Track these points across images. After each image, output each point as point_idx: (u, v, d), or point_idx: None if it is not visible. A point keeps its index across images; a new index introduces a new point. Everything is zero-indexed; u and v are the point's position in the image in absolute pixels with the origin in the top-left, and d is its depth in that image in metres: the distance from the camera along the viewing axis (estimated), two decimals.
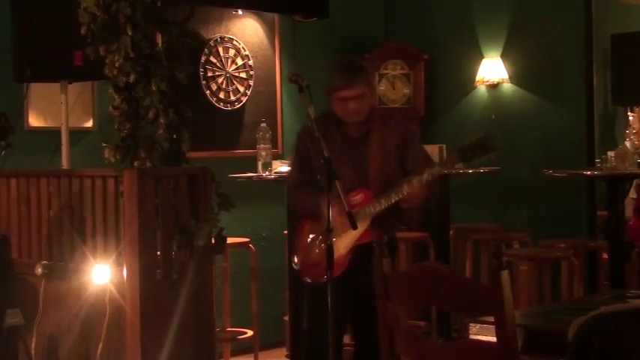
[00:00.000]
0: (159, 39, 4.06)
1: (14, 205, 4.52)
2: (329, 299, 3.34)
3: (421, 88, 7.35)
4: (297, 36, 6.97)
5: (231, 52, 6.62)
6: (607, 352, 2.26)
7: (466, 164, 4.12)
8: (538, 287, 5.66)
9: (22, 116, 5.41)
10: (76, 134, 5.41)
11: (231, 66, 6.61)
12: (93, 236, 4.08)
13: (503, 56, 7.04)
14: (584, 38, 6.66)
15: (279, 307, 6.06)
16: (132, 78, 3.92)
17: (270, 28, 6.90)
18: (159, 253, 3.85)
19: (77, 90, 5.53)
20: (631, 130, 6.64)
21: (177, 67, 3.98)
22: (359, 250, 3.83)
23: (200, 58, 6.39)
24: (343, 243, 3.85)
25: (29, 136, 5.41)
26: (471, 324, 6.15)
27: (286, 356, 6.01)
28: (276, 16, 6.89)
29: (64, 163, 4.90)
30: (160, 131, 3.94)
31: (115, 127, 4.02)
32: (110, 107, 4.05)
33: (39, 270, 4.14)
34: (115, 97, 4.00)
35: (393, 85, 7.38)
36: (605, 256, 6.00)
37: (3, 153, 4.44)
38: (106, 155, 4.01)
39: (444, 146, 6.50)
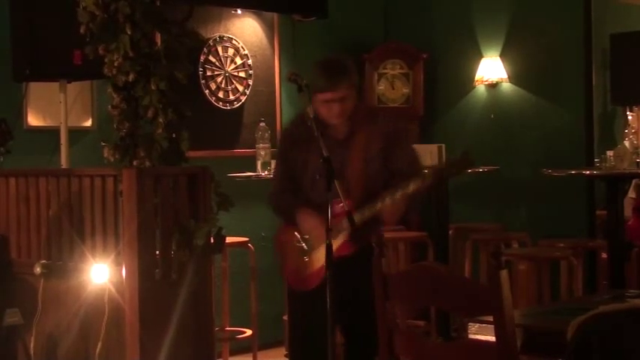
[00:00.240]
0: (158, 38, 4.06)
1: (13, 205, 4.51)
2: (328, 299, 3.32)
3: (420, 88, 7.35)
4: (296, 35, 6.97)
5: (231, 51, 6.62)
6: (606, 351, 2.26)
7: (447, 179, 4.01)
8: (537, 287, 5.66)
9: (21, 116, 5.41)
10: (75, 133, 5.40)
11: (230, 65, 6.61)
12: (92, 235, 4.08)
13: (502, 56, 7.04)
14: (584, 38, 6.66)
15: (278, 306, 6.06)
16: (131, 77, 3.92)
17: (269, 28, 6.90)
18: (158, 252, 3.85)
19: (76, 89, 5.52)
20: (630, 130, 6.64)
21: (177, 67, 3.98)
22: (337, 263, 3.60)
23: (199, 58, 6.39)
24: (319, 257, 3.74)
25: (28, 135, 5.41)
26: (470, 324, 6.15)
27: (285, 356, 6.01)
28: (275, 16, 6.89)
29: (63, 163, 4.90)
30: (159, 130, 3.94)
31: (114, 126, 4.01)
32: (109, 106, 4.04)
33: (38, 269, 4.13)
34: (114, 96, 3.99)
35: (392, 84, 7.38)
36: (604, 255, 6.00)
37: (2, 159, 4.43)
38: (105, 154, 4.01)
39: (443, 146, 6.51)
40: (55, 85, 5.02)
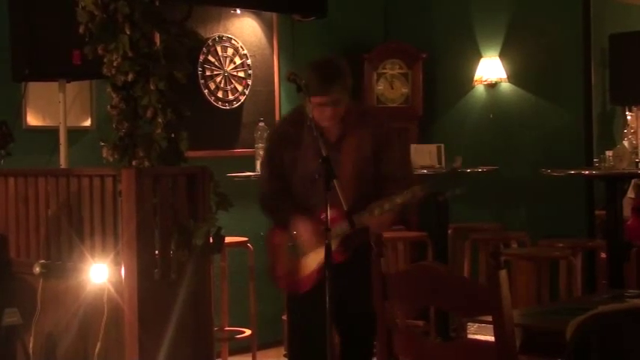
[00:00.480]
0: (157, 38, 4.06)
1: (12, 204, 4.51)
2: (327, 298, 3.33)
3: (419, 88, 7.36)
4: (295, 35, 6.97)
5: (230, 51, 6.62)
6: (605, 351, 2.26)
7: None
8: (536, 287, 5.66)
9: (20, 115, 5.41)
10: (74, 133, 5.40)
11: (229, 65, 6.61)
12: (91, 235, 4.08)
13: (501, 56, 7.04)
14: (583, 38, 6.66)
15: (277, 306, 6.05)
16: (130, 77, 3.92)
17: (268, 28, 6.90)
18: (157, 252, 3.85)
19: (75, 89, 5.52)
20: (629, 130, 6.64)
21: (176, 67, 3.98)
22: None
23: (198, 58, 6.39)
24: (313, 260, 3.77)
25: (27, 135, 5.40)
26: (469, 323, 6.14)
27: (284, 355, 6.01)
28: (274, 16, 6.89)
29: (62, 163, 4.90)
30: (158, 130, 3.94)
31: (113, 126, 4.01)
32: (108, 106, 4.04)
33: (37, 269, 4.13)
34: (113, 96, 3.99)
35: (391, 84, 7.39)
36: (603, 255, 6.00)
37: (2, 162, 4.43)
38: (104, 154, 4.01)
39: (442, 146, 6.52)
40: (54, 85, 5.02)
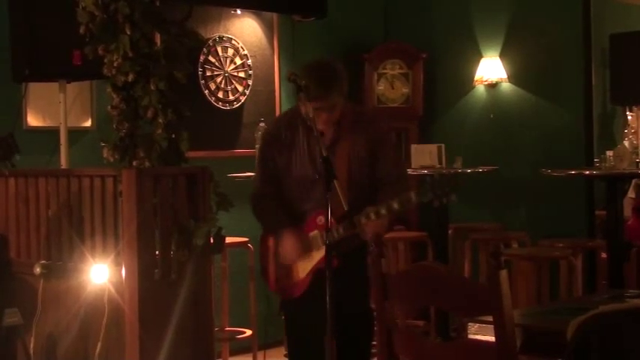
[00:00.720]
0: (157, 38, 4.06)
1: (13, 205, 4.51)
2: (327, 295, 3.32)
3: (420, 88, 7.36)
4: (295, 36, 6.97)
5: (230, 51, 6.62)
6: (605, 351, 2.26)
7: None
8: (537, 287, 5.66)
9: (20, 116, 5.41)
10: (75, 134, 5.40)
11: (229, 65, 6.61)
12: (91, 236, 4.08)
13: (501, 56, 7.05)
14: (583, 38, 6.66)
15: (277, 306, 6.04)
16: (130, 77, 3.91)
17: (268, 28, 6.90)
18: (157, 252, 3.85)
19: (76, 89, 5.53)
20: (629, 130, 6.64)
21: (176, 67, 3.98)
22: (319, 274, 3.65)
23: (199, 58, 6.39)
24: (302, 266, 3.79)
25: (28, 135, 5.40)
26: (469, 324, 6.15)
27: (285, 356, 6.00)
28: (274, 16, 6.89)
29: (63, 163, 4.90)
30: (159, 131, 3.94)
31: (114, 126, 4.01)
32: (109, 107, 4.04)
33: (37, 269, 4.13)
34: (114, 96, 3.99)
35: (391, 84, 7.39)
36: (603, 255, 6.00)
37: (7, 173, 4.44)
38: (105, 155, 4.00)
39: (442, 146, 6.52)
40: (54, 86, 5.02)
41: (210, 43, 6.50)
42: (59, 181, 4.25)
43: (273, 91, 6.90)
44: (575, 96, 6.71)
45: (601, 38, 6.57)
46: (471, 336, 6.05)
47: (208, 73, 6.48)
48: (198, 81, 6.39)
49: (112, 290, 3.85)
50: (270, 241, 3.90)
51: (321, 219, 3.58)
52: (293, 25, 6.93)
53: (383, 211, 3.59)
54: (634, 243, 5.91)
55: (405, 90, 7.39)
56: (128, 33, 3.89)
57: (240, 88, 6.66)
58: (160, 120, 3.93)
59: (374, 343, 3.07)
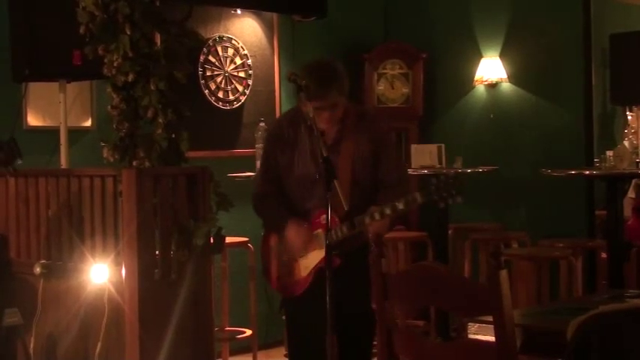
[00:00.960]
0: (157, 38, 4.06)
1: (13, 205, 4.51)
2: (328, 297, 3.32)
3: (420, 88, 7.36)
4: (295, 35, 6.97)
5: (230, 51, 6.62)
6: (605, 351, 2.26)
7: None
8: (537, 287, 5.66)
9: (20, 116, 5.41)
10: (75, 134, 5.40)
11: (229, 65, 6.61)
12: (91, 236, 4.08)
13: (501, 56, 7.05)
14: (583, 38, 6.66)
15: (277, 306, 6.05)
16: (130, 77, 3.91)
17: (268, 28, 6.90)
18: (157, 252, 3.85)
19: (76, 89, 5.53)
20: (629, 130, 6.64)
21: (176, 67, 3.98)
22: (320, 273, 3.63)
23: (199, 58, 6.39)
24: (304, 265, 3.78)
25: (28, 135, 5.40)
26: (469, 324, 6.15)
27: (285, 355, 6.01)
28: (274, 16, 6.89)
29: (63, 163, 4.90)
30: (159, 131, 3.94)
31: (114, 126, 4.01)
32: (109, 107, 4.04)
33: (37, 269, 4.13)
34: (114, 96, 3.99)
35: (391, 84, 7.39)
36: (603, 255, 6.00)
37: (9, 178, 4.44)
38: (105, 155, 4.01)
39: (442, 146, 6.52)
40: (54, 85, 5.02)
41: (210, 43, 6.50)
42: (59, 181, 4.26)
43: (273, 91, 6.90)
44: (575, 96, 6.71)
45: (601, 38, 6.57)
46: (470, 336, 6.05)
47: (208, 73, 6.48)
48: (198, 81, 6.39)
49: (112, 290, 3.85)
50: (273, 239, 3.90)
51: (324, 217, 3.57)
52: (293, 25, 6.93)
53: (387, 212, 3.58)
54: (634, 243, 5.92)
55: (405, 90, 7.39)
56: (128, 33, 3.89)
57: (240, 88, 6.66)
58: (160, 120, 3.93)
59: (374, 343, 3.07)
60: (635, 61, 6.02)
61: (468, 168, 6.37)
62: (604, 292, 4.93)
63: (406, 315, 5.81)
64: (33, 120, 5.57)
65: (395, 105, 7.37)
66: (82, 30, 3.98)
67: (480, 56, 7.12)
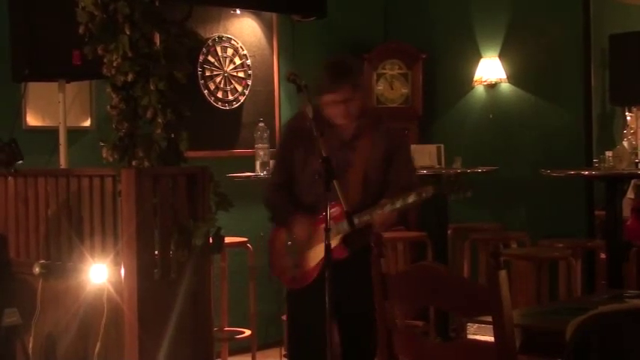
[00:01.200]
0: (157, 38, 4.06)
1: (12, 205, 4.51)
2: (327, 297, 3.33)
3: (419, 88, 7.36)
4: (295, 36, 6.97)
5: (230, 51, 6.62)
6: (605, 352, 2.26)
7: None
8: (536, 287, 5.66)
9: (20, 115, 5.41)
10: (74, 133, 5.40)
11: (229, 65, 6.61)
12: (91, 235, 4.08)
13: (501, 56, 7.04)
14: (583, 38, 6.66)
15: (276, 306, 6.06)
16: (130, 77, 3.92)
17: (268, 28, 6.90)
18: (157, 252, 3.85)
19: (75, 89, 5.52)
20: (629, 130, 6.64)
21: (176, 67, 3.98)
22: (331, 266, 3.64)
23: (198, 58, 6.38)
24: (311, 257, 3.79)
25: (27, 135, 5.39)
26: (468, 324, 6.12)
27: (284, 356, 6.01)
28: (274, 16, 6.89)
29: (62, 163, 4.90)
30: (158, 131, 3.94)
31: (113, 126, 4.01)
32: (108, 107, 4.04)
33: (37, 269, 4.13)
34: (113, 96, 3.99)
35: (391, 84, 7.39)
36: (603, 255, 6.00)
37: (10, 179, 4.44)
38: (104, 155, 4.01)
39: (442, 146, 6.51)
40: (54, 85, 5.02)
41: (210, 43, 6.50)
42: (58, 181, 4.26)
43: (273, 91, 6.90)
44: (574, 96, 6.71)
45: (601, 38, 6.57)
46: (470, 336, 6.04)
47: (208, 73, 6.48)
48: (197, 81, 6.38)
49: (111, 290, 3.85)
50: (282, 233, 3.91)
51: (335, 210, 3.59)
52: (293, 25, 6.93)
53: (398, 204, 3.63)
54: (633, 243, 5.91)
55: (405, 90, 7.39)
56: (128, 33, 3.89)
57: (239, 88, 6.66)
58: (160, 120, 3.93)
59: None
60: (634, 61, 6.01)
61: (468, 168, 6.37)
62: (603, 293, 4.93)
63: (406, 315, 5.81)
64: (32, 120, 5.57)
65: (394, 105, 7.36)
66: (81, 30, 3.98)
67: (480, 56, 7.12)
